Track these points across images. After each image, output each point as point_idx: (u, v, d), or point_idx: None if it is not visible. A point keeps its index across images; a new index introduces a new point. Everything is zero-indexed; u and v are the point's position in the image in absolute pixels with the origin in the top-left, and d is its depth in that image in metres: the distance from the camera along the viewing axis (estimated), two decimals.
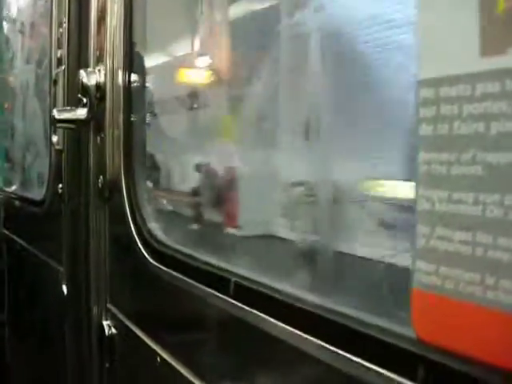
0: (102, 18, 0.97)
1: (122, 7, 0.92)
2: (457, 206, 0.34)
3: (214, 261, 0.63)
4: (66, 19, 1.17)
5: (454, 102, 0.34)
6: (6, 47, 1.95)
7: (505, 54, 0.31)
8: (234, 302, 0.56)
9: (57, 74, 1.18)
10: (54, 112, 0.99)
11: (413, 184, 0.38)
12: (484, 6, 0.32)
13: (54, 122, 0.98)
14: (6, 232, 1.73)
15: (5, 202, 1.80)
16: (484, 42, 0.32)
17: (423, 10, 0.37)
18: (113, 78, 0.92)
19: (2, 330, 1.81)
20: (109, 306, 0.93)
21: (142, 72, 0.92)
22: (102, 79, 0.93)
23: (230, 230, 0.73)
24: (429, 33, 0.36)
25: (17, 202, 1.66)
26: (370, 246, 0.51)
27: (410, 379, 0.37)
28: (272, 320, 0.50)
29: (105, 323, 0.92)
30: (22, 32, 1.75)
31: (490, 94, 0.32)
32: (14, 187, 1.81)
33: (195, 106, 0.84)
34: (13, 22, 1.88)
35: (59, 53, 1.18)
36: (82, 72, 0.95)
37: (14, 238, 1.62)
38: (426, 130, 0.37)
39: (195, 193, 0.85)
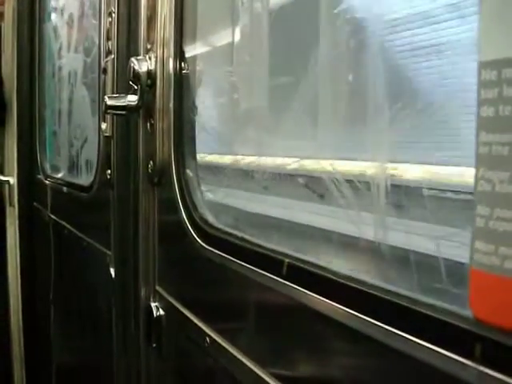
0: (152, 9, 0.99)
1: None
2: None
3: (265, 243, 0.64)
4: (115, 10, 1.19)
5: None
6: (54, 38, 1.99)
7: None
8: (285, 282, 0.57)
9: (106, 64, 1.20)
10: (106, 99, 1.01)
11: None
12: None
13: (105, 108, 1.01)
14: (53, 217, 1.78)
15: (52, 187, 1.85)
16: None
17: None
18: (163, 66, 0.94)
19: (48, 310, 1.86)
20: (157, 288, 0.95)
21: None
22: (152, 67, 0.96)
23: None
24: (491, 13, 0.37)
25: (64, 188, 1.70)
26: None
27: (467, 357, 0.37)
28: (326, 300, 0.51)
29: (153, 305, 0.95)
30: (69, 23, 1.79)
31: None
32: (61, 173, 1.86)
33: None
34: (60, 12, 1.92)
35: (109, 43, 1.21)
36: (133, 59, 0.97)
37: (62, 222, 1.67)
38: (487, 111, 0.37)
39: None
